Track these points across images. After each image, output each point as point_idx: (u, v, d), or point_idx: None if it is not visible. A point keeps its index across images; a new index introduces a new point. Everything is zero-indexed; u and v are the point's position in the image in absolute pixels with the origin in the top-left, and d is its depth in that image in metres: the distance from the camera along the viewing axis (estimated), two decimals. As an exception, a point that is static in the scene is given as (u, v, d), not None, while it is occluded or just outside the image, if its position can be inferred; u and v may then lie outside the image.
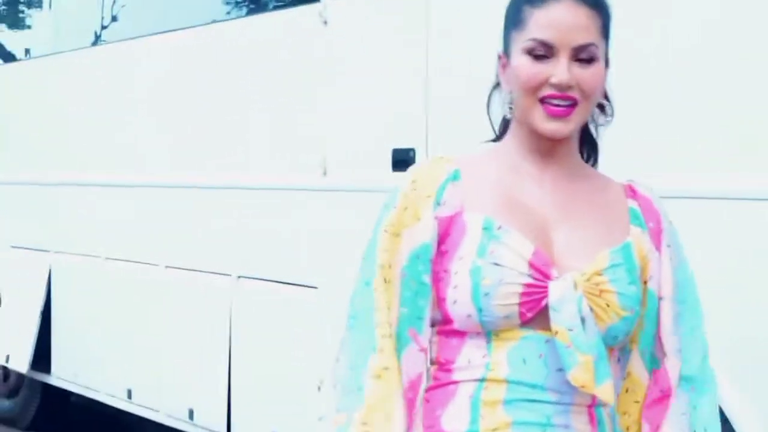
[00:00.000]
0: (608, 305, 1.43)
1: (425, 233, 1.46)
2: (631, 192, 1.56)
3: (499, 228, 1.44)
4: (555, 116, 1.44)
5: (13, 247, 5.73)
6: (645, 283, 1.50)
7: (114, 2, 5.08)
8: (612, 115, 1.55)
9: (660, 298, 1.51)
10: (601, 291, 1.43)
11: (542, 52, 1.43)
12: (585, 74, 1.44)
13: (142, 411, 4.61)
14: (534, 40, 1.44)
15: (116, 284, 4.79)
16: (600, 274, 1.44)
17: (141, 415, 4.63)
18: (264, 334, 3.86)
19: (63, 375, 5.22)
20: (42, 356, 5.28)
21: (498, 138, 1.57)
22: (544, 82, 1.43)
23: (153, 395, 4.51)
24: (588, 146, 1.58)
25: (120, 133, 4.79)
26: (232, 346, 3.98)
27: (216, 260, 4.13)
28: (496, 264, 1.42)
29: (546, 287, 1.41)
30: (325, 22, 3.54)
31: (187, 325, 4.27)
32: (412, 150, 3.17)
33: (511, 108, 1.50)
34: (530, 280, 1.42)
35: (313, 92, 3.62)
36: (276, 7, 4.10)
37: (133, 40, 4.74)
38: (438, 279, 1.46)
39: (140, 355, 4.59)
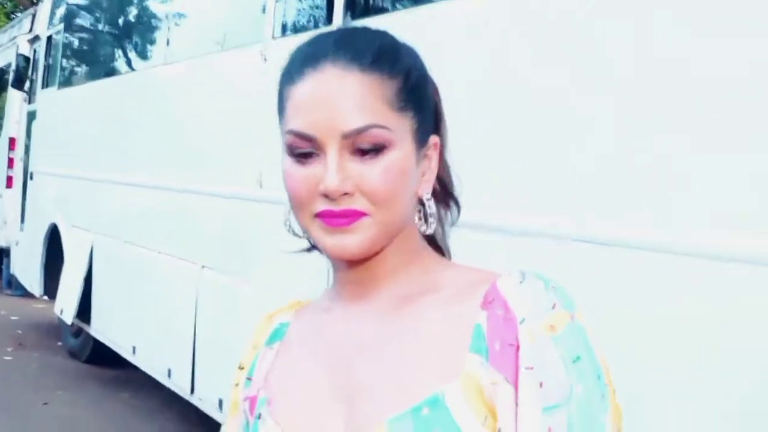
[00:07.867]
0: None
1: (233, 424, 1.11)
2: (491, 295, 0.97)
3: (259, 417, 1.04)
4: (334, 227, 0.97)
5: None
6: None
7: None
8: (457, 216, 1.10)
9: None
10: None
11: (306, 148, 0.98)
12: (369, 173, 0.96)
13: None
14: (291, 133, 0.99)
15: (129, 262, 6.01)
16: None
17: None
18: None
19: (96, 327, 6.56)
20: (86, 310, 6.61)
21: None
22: (315, 192, 0.98)
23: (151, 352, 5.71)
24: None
25: (141, 145, 5.99)
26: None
27: (185, 250, 5.15)
28: None
29: None
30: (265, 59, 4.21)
31: (162, 298, 5.41)
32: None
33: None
34: None
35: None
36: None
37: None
38: None
39: (143, 317, 5.72)
